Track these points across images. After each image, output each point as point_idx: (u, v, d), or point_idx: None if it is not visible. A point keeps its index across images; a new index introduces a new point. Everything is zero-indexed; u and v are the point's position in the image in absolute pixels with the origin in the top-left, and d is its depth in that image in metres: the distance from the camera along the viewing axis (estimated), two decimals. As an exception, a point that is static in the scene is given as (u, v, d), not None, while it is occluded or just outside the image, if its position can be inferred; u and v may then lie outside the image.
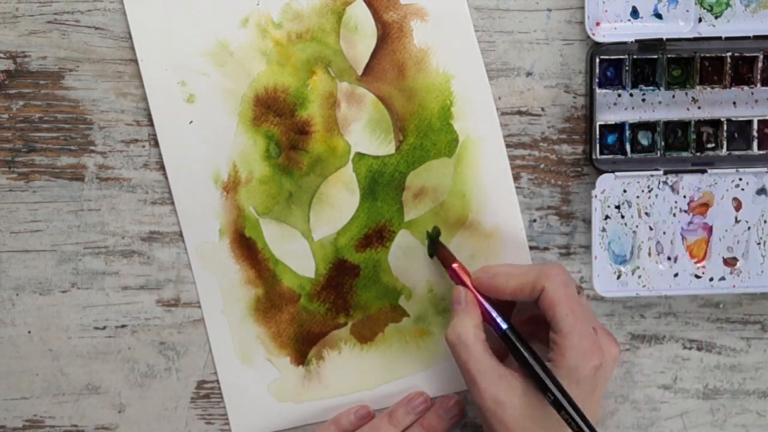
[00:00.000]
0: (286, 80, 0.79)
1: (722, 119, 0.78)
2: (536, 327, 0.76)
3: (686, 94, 0.79)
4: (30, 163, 0.80)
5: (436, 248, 0.79)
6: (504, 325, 0.74)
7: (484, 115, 0.80)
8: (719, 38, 0.77)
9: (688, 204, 0.79)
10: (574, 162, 0.80)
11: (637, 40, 0.77)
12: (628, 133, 0.78)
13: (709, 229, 0.79)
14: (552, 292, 0.72)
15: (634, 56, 0.78)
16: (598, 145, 0.78)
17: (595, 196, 0.79)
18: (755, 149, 0.78)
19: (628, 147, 0.78)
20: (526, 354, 0.73)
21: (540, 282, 0.73)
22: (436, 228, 0.80)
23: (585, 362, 0.71)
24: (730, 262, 0.80)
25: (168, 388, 0.82)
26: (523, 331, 0.75)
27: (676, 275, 0.79)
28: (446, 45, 0.79)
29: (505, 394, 0.72)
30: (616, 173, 0.79)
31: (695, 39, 0.78)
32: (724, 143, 0.78)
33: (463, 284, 0.76)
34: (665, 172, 0.79)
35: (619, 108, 0.79)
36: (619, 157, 0.79)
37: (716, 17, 0.78)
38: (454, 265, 0.77)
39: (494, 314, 0.75)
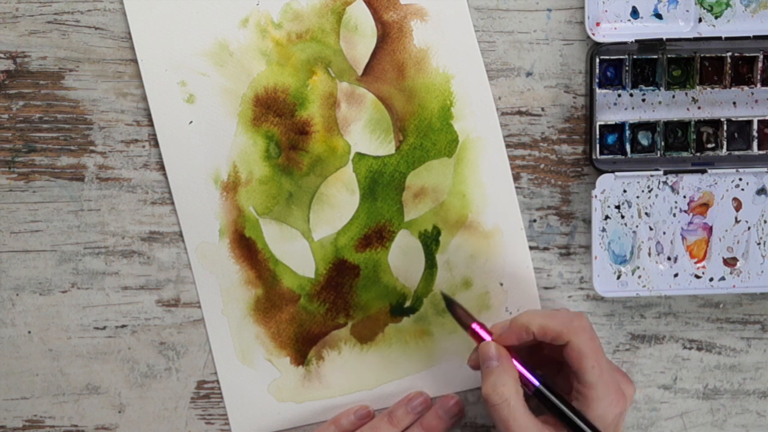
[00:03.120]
0: (286, 80, 0.79)
1: (722, 119, 0.78)
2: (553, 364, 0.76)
3: (686, 94, 0.79)
4: (30, 163, 0.80)
5: (452, 308, 0.77)
6: (537, 383, 0.74)
7: (484, 115, 0.80)
8: (719, 38, 0.77)
9: (688, 204, 0.79)
10: (574, 162, 0.81)
11: (637, 40, 0.77)
12: (628, 133, 0.78)
13: (709, 229, 0.79)
14: (579, 345, 0.72)
15: (634, 56, 0.78)
16: (598, 145, 0.78)
17: (595, 196, 0.79)
18: (755, 149, 0.78)
19: (628, 147, 0.78)
20: (565, 409, 0.73)
21: (567, 335, 0.73)
22: (444, 294, 0.79)
23: (610, 411, 0.72)
24: (730, 262, 0.80)
25: (168, 388, 0.82)
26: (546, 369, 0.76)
27: (676, 275, 0.79)
28: (446, 45, 0.79)
29: None
30: (616, 173, 0.79)
31: (695, 39, 0.78)
32: (724, 143, 0.78)
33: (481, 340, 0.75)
34: (665, 172, 0.79)
35: (619, 108, 0.79)
36: (619, 157, 0.79)
37: (716, 17, 0.78)
38: (473, 325, 0.75)
39: (526, 373, 0.74)
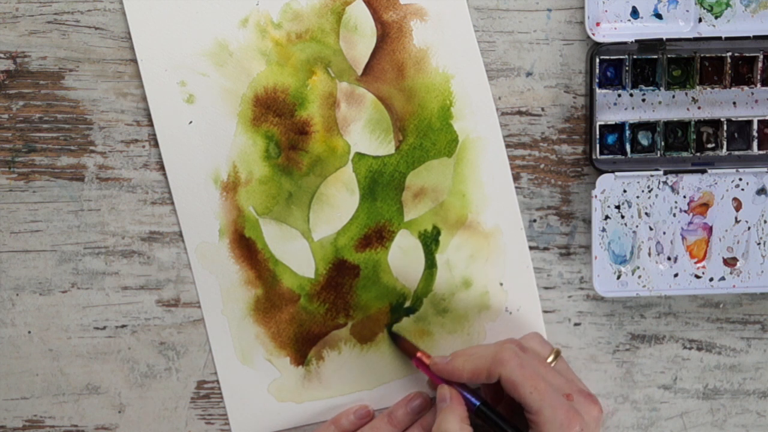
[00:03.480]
0: (286, 80, 0.79)
1: (722, 119, 0.78)
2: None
3: (686, 94, 0.79)
4: (30, 163, 0.80)
5: (397, 341, 0.80)
6: (476, 402, 0.75)
7: (484, 115, 0.80)
8: (719, 38, 0.77)
9: (688, 204, 0.79)
10: (574, 162, 0.80)
11: (637, 40, 0.77)
12: (628, 133, 0.78)
13: (709, 229, 0.79)
14: (510, 376, 0.72)
15: (634, 56, 0.78)
16: (598, 145, 0.78)
17: (595, 196, 0.79)
18: (755, 149, 0.78)
19: (628, 147, 0.78)
20: (502, 424, 0.74)
21: (495, 370, 0.73)
22: (390, 328, 0.81)
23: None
24: (730, 262, 0.79)
25: (168, 388, 0.82)
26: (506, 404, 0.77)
27: (676, 275, 0.79)
28: (446, 45, 0.79)
29: None
30: (616, 173, 0.78)
31: (695, 39, 0.78)
32: (724, 143, 0.78)
33: (427, 370, 0.77)
34: (665, 172, 0.79)
35: (619, 108, 0.79)
36: (619, 157, 0.79)
37: (716, 17, 0.78)
38: (418, 354, 0.78)
39: (464, 392, 0.75)
